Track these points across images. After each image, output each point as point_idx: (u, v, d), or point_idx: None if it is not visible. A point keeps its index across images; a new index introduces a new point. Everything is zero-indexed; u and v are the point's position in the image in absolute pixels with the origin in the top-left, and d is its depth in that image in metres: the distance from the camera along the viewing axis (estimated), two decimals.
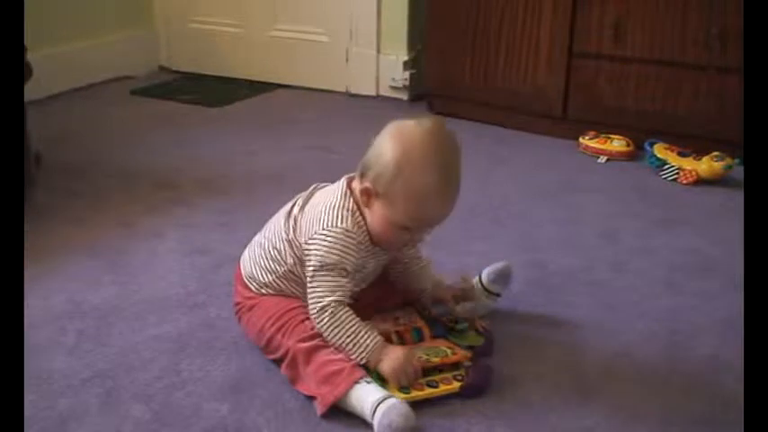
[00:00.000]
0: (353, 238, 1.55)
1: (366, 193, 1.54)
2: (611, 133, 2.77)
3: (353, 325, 1.53)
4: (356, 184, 1.57)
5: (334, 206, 1.57)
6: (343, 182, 1.61)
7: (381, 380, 1.50)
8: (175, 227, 2.20)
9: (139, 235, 2.19)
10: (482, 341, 1.66)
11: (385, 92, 3.40)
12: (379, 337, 1.53)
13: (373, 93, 3.41)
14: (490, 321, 1.74)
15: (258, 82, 3.49)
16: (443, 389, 1.51)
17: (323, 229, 1.55)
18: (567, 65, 2.83)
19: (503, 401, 1.53)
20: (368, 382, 1.47)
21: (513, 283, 1.85)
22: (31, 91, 2.32)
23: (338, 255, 1.54)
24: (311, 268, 1.55)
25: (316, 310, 1.54)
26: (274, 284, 1.64)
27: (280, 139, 2.91)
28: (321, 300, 1.54)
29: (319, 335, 1.55)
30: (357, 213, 1.57)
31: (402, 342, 1.62)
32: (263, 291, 1.66)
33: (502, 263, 1.81)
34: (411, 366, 1.51)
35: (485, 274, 1.80)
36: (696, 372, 1.64)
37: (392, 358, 1.51)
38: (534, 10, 2.84)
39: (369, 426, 1.44)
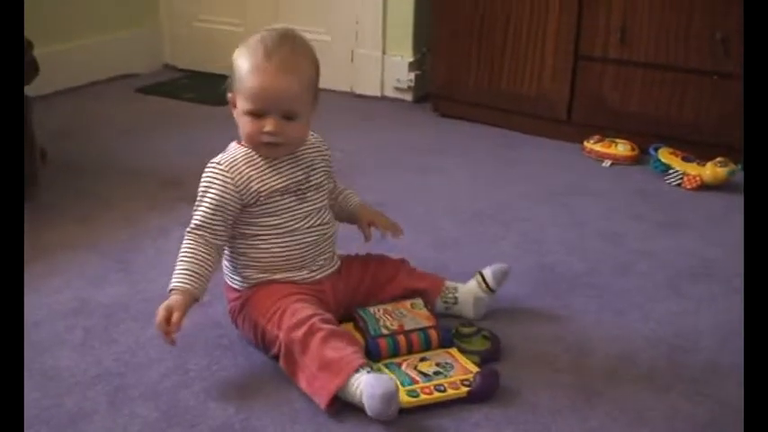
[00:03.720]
0: (219, 170, 1.64)
1: (231, 103, 1.67)
2: (615, 137, 2.77)
3: (181, 257, 1.61)
4: None
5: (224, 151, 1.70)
6: None
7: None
8: (181, 225, 2.16)
9: (145, 233, 2.20)
10: (489, 345, 1.67)
11: (389, 93, 3.40)
12: (181, 286, 1.58)
13: (378, 93, 3.41)
14: (496, 325, 1.75)
15: None
16: (451, 393, 1.52)
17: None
18: (572, 68, 2.84)
19: (509, 405, 1.53)
20: (368, 372, 1.48)
21: (520, 287, 1.87)
22: (36, 87, 2.33)
23: (205, 186, 1.65)
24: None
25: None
26: (236, 260, 1.69)
27: None
28: (189, 225, 1.64)
29: (308, 318, 1.55)
30: (236, 148, 1.68)
31: (410, 346, 1.63)
32: (243, 284, 1.69)
33: (505, 264, 1.83)
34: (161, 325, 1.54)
35: (487, 269, 1.81)
36: (700, 375, 1.64)
37: (164, 306, 1.55)
38: (540, 13, 2.85)
39: (376, 425, 1.45)
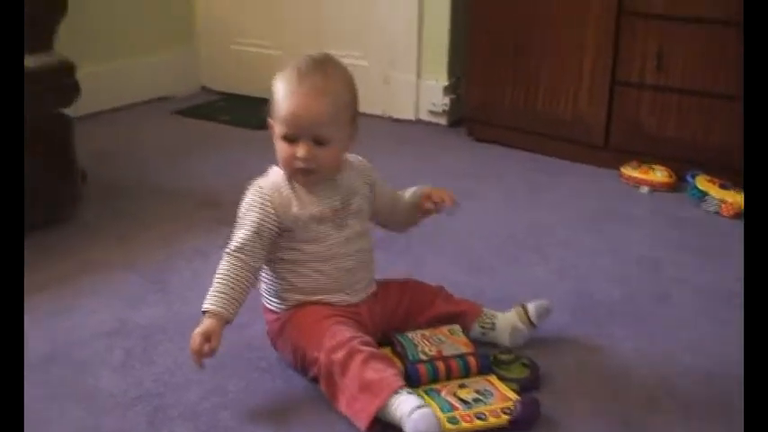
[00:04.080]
0: (260, 193, 1.66)
1: (270, 128, 1.67)
2: (652, 163, 2.76)
3: (218, 278, 1.62)
4: None
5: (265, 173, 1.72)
6: None
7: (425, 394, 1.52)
8: (218, 246, 2.17)
9: (182, 253, 2.22)
10: (528, 373, 1.66)
11: (424, 116, 3.41)
12: (216, 309, 1.58)
13: (412, 117, 3.42)
14: (533, 352, 1.74)
15: None
16: (492, 422, 1.51)
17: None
18: (609, 93, 2.83)
19: None
20: (408, 393, 1.48)
21: (557, 314, 1.85)
22: (77, 108, 2.37)
23: (246, 209, 1.66)
24: None
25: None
26: (274, 283, 1.70)
27: None
28: (227, 247, 1.65)
29: (348, 341, 1.55)
30: (278, 172, 1.69)
31: (449, 372, 1.62)
32: (282, 306, 1.69)
33: (547, 301, 1.82)
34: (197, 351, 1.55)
35: (531, 303, 1.80)
36: (740, 405, 1.62)
37: (201, 332, 1.56)
38: (577, 37, 2.85)
39: None
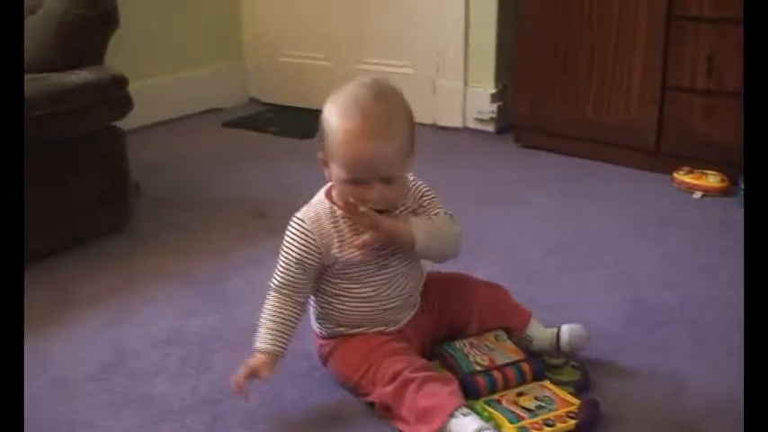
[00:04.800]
0: (300, 227, 1.61)
1: (323, 163, 1.58)
2: (704, 168, 2.73)
3: (266, 315, 1.61)
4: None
5: (310, 202, 1.65)
6: None
7: (484, 411, 1.50)
8: (271, 255, 2.20)
9: (234, 263, 2.23)
10: (579, 376, 1.65)
11: (471, 124, 3.41)
12: (268, 348, 1.59)
13: (460, 125, 3.42)
14: (588, 357, 1.73)
15: None
16: (560, 427, 1.50)
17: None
18: (660, 98, 2.80)
19: None
20: (464, 415, 1.46)
21: (611, 319, 1.84)
22: (129, 122, 2.40)
23: (287, 244, 1.62)
24: None
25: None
26: (318, 310, 1.69)
27: None
28: (272, 281, 1.63)
29: (401, 371, 1.53)
30: (321, 204, 1.63)
31: (506, 381, 1.61)
32: (325, 332, 1.69)
33: (585, 331, 1.75)
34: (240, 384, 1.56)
35: (566, 332, 1.73)
36: None
37: (250, 366, 1.57)
38: (626, 42, 2.83)
39: None
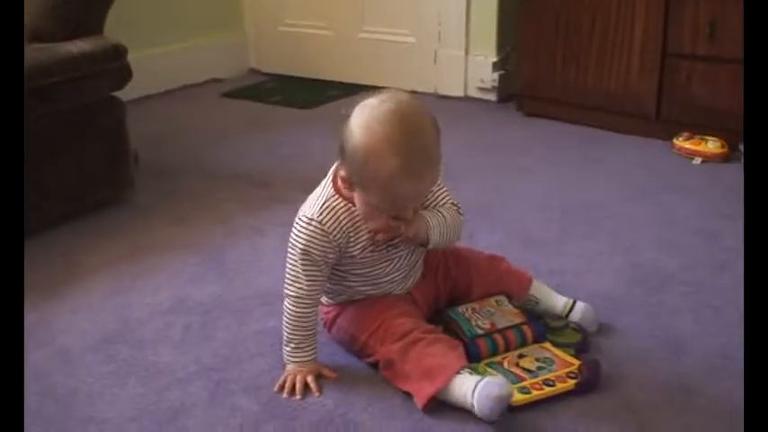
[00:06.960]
0: (318, 228, 1.55)
1: (346, 181, 1.54)
2: (705, 134, 2.73)
3: (292, 327, 1.59)
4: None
5: (314, 195, 1.61)
6: (333, 168, 1.60)
7: (486, 373, 1.52)
8: (274, 224, 2.23)
9: (239, 232, 2.24)
10: (579, 338, 1.67)
11: (473, 93, 3.40)
12: (303, 361, 1.59)
13: (461, 94, 3.41)
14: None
15: (346, 83, 3.52)
16: (560, 387, 1.52)
17: (297, 218, 1.59)
18: (660, 65, 2.80)
19: (605, 401, 1.53)
20: (470, 373, 1.48)
21: (613, 283, 1.85)
22: (128, 92, 2.40)
23: (303, 243, 1.56)
24: (288, 251, 1.60)
25: (285, 294, 1.60)
26: (330, 288, 1.68)
27: None
28: (286, 288, 1.59)
29: (411, 330, 1.56)
30: (335, 201, 1.57)
31: (507, 344, 1.63)
32: (332, 301, 1.70)
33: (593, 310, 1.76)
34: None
35: (578, 310, 1.74)
36: None
37: (297, 377, 1.57)
38: (627, 10, 2.82)
39: (472, 419, 1.45)
